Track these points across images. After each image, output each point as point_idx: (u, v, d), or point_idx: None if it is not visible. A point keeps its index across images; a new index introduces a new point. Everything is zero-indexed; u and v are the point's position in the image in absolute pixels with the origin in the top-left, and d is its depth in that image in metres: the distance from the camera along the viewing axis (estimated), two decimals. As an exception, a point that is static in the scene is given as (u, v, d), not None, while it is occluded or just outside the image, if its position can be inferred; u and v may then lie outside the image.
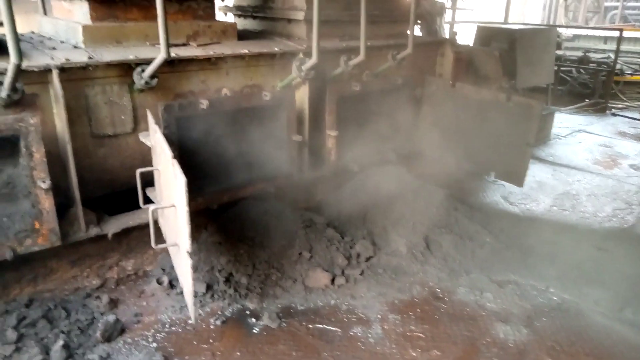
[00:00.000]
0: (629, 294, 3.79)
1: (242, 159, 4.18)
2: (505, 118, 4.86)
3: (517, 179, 4.96)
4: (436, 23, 6.89)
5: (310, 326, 3.37)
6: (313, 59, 4.15)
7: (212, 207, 4.03)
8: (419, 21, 6.37)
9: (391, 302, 3.64)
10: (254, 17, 5.32)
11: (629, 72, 10.47)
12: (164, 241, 3.24)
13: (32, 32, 4.56)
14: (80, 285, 3.66)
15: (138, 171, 3.31)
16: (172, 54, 3.74)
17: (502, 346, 3.21)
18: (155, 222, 3.63)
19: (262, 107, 4.17)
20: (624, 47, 10.75)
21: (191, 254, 2.75)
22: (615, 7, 20.88)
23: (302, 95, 4.57)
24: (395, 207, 4.66)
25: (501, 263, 4.16)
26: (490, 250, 4.31)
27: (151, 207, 2.96)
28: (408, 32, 4.90)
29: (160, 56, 3.35)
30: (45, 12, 4.72)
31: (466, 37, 8.81)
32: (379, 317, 3.47)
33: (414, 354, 3.12)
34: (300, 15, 4.64)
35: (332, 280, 3.86)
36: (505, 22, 9.81)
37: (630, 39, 11.68)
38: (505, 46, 7.69)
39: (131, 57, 3.57)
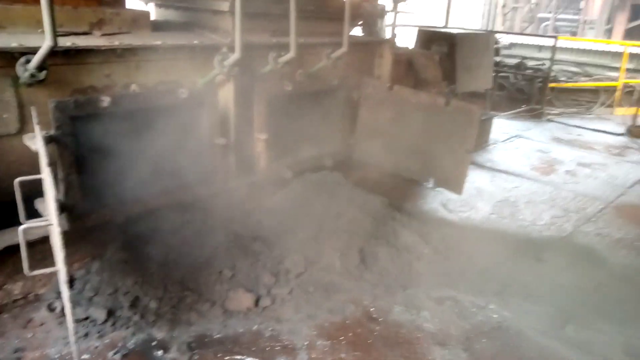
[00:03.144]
0: (569, 309, 3.62)
1: (155, 165, 3.68)
2: (444, 123, 4.64)
3: (457, 186, 4.75)
4: (377, 25, 6.66)
5: (227, 358, 2.93)
6: (236, 54, 3.73)
7: (117, 219, 3.51)
8: (360, 22, 6.10)
9: (321, 325, 3.27)
10: (177, 8, 4.83)
11: (564, 79, 10.71)
12: (46, 265, 2.70)
13: None
14: (-50, 316, 3.05)
15: (17, 181, 2.77)
16: (68, 43, 3.23)
17: (440, 374, 2.91)
18: (45, 240, 3.10)
19: (179, 106, 3.69)
20: (557, 55, 11.01)
21: (70, 276, 2.26)
22: (548, 19, 21.82)
23: (227, 94, 4.14)
24: (330, 217, 4.31)
25: (439, 277, 3.90)
26: (428, 263, 4.04)
27: (22, 226, 2.44)
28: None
29: (45, 44, 2.82)
30: None
31: (407, 40, 8.68)
32: (306, 344, 3.09)
33: (343, 388, 2.76)
34: (225, 6, 4.20)
35: (257, 302, 3.44)
36: (446, 27, 9.76)
37: (564, 49, 12.03)
38: (445, 49, 7.60)
39: (14, 44, 3.02)
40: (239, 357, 2.95)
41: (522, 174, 6.50)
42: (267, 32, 4.52)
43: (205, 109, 3.84)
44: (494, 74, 9.34)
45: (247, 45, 3.88)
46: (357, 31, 6.15)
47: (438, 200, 5.40)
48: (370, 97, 5.15)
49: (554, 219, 5.16)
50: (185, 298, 3.36)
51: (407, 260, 4.04)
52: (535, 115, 9.82)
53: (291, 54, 4.07)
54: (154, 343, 3.01)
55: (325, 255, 3.93)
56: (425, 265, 4.03)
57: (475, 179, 6.15)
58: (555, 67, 10.70)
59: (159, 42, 3.66)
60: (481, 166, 6.74)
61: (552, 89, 10.34)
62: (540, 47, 12.52)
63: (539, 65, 10.97)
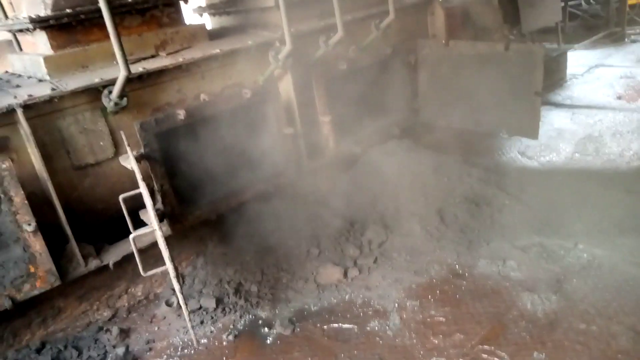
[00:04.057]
0: (667, 238, 3.47)
1: (234, 163, 4.01)
2: (507, 69, 4.54)
3: (531, 131, 4.64)
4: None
5: (325, 327, 3.20)
6: (288, 46, 3.92)
7: (211, 217, 3.89)
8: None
9: (408, 288, 3.43)
10: (228, 13, 5.11)
11: (644, -8, 9.75)
12: (155, 264, 3.11)
13: (6, 72, 4.48)
14: (92, 320, 3.60)
15: (121, 197, 3.18)
16: (139, 68, 3.61)
17: (531, 318, 2.97)
18: (154, 246, 3.53)
19: (245, 106, 3.98)
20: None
21: (180, 274, 2.62)
22: None
23: (287, 85, 4.36)
24: (404, 184, 4.42)
25: (523, 226, 3.88)
26: (510, 214, 4.03)
27: (132, 234, 2.83)
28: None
29: (121, 74, 3.19)
30: (20, 49, 4.64)
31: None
32: (396, 306, 3.28)
33: (436, 341, 2.92)
34: (271, 2, 4.38)
35: (345, 274, 3.68)
36: (502, -34, 9.24)
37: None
38: (504, -9, 7.23)
39: (96, 80, 3.43)
40: (336, 325, 3.21)
41: (605, 105, 6.12)
42: (315, 17, 4.65)
43: (269, 103, 4.10)
44: (562, 4, 8.75)
45: (297, 35, 4.05)
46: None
47: (515, 149, 5.29)
48: (427, 58, 5.13)
49: (645, 147, 4.87)
50: (280, 278, 3.68)
51: (488, 214, 4.06)
52: (617, 39, 9.06)
53: (340, 34, 4.18)
54: (259, 322, 3.36)
55: (404, 221, 4.07)
56: (507, 216, 4.02)
57: (553, 119, 5.91)
58: (633, -18, 9.74)
59: (217, 51, 3.94)
60: (559, 105, 6.43)
61: (632, 6, 9.45)
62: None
63: (614, -17, 10.03)
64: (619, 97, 6.34)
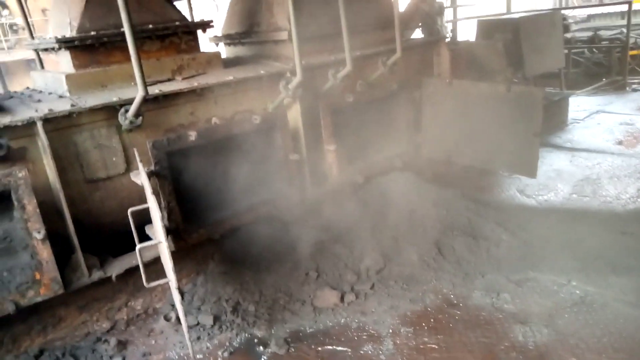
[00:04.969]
0: (658, 279, 3.54)
1: (240, 185, 4.14)
2: (508, 109, 4.69)
3: (530, 170, 4.75)
4: (437, 23, 6.79)
5: (320, 349, 3.26)
6: (298, 77, 4.12)
7: (214, 237, 3.99)
8: (420, 24, 6.27)
9: (403, 315, 3.50)
10: (243, 44, 5.34)
11: (645, 44, 10.04)
12: (157, 279, 3.20)
13: (27, 88, 4.69)
14: (91, 330, 3.66)
15: (130, 210, 3.30)
16: (156, 90, 3.79)
17: (522, 349, 3.02)
18: (156, 261, 3.63)
19: (254, 131, 4.14)
20: (638, 19, 10.35)
21: (179, 289, 2.71)
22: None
23: (295, 114, 4.53)
24: (404, 214, 4.52)
25: (519, 260, 3.96)
26: (507, 248, 4.12)
27: (138, 246, 2.94)
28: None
29: (139, 95, 3.38)
30: (42, 67, 4.86)
31: (470, 32, 8.65)
32: (391, 331, 3.34)
33: (428, 368, 2.97)
34: (284, 35, 4.61)
35: (342, 298, 3.75)
36: (508, 12, 9.59)
37: (643, 11, 11.23)
38: (509, 36, 7.50)
39: (114, 99, 3.62)
40: (330, 347, 3.26)
41: (604, 150, 6.27)
42: (326, 52, 4.86)
43: (277, 130, 4.26)
44: (566, 52, 9.03)
45: (307, 67, 4.25)
46: (418, 32, 6.29)
47: (514, 187, 5.40)
48: (431, 95, 5.31)
49: (641, 191, 4.97)
50: (278, 300, 3.75)
51: (485, 248, 4.14)
52: (618, 87, 9.30)
53: (348, 68, 4.38)
54: (255, 340, 3.42)
55: (402, 250, 4.16)
56: (503, 251, 4.11)
57: (553, 161, 6.04)
58: (634, 33, 10.04)
59: (231, 78, 4.13)
60: (560, 147, 6.58)
61: (633, 57, 9.72)
62: (623, 14, 11.73)
63: (616, 34, 10.35)
64: (619, 143, 6.48)
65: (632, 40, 9.74)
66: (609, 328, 3.11)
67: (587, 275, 3.67)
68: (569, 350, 2.96)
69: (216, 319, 3.60)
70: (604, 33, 10.45)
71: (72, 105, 3.48)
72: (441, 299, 3.62)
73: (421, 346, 3.16)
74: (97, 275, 3.58)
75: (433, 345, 3.15)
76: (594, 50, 10.17)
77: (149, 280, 3.14)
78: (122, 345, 3.50)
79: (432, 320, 3.41)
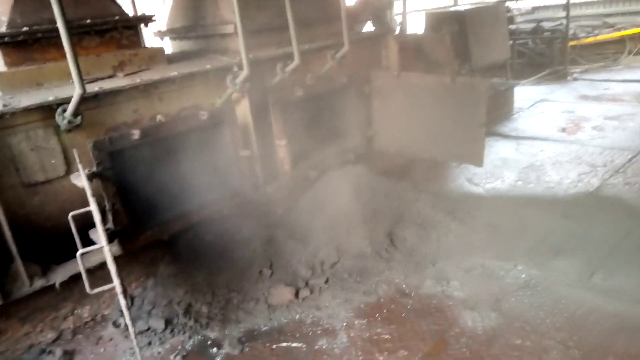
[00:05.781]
0: (597, 259, 3.71)
1: (189, 184, 4.04)
2: (454, 100, 4.79)
3: (476, 159, 4.87)
4: (387, 17, 6.84)
5: (274, 346, 3.24)
6: (245, 71, 4.04)
7: (163, 238, 3.89)
8: (370, 17, 6.29)
9: (357, 307, 3.52)
10: (189, 38, 5.21)
11: (583, 35, 10.49)
12: (105, 284, 3.09)
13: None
14: (35, 342, 3.50)
15: (71, 215, 3.17)
16: (95, 88, 3.64)
17: (471, 335, 3.10)
18: (102, 266, 3.50)
19: (202, 127, 4.04)
20: (578, 11, 10.80)
21: (128, 294, 2.62)
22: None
23: (244, 109, 4.46)
24: (357, 207, 4.55)
25: (467, 248, 4.06)
26: (456, 237, 4.21)
27: (79, 251, 2.82)
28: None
29: (76, 93, 3.22)
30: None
31: (419, 25, 8.78)
32: (345, 324, 3.35)
33: (381, 358, 3.00)
34: (230, 29, 4.52)
35: (297, 294, 3.73)
36: (455, 5, 9.79)
37: (582, 4, 11.73)
38: (456, 28, 7.66)
39: (50, 98, 3.44)
40: (285, 344, 3.25)
41: (547, 137, 6.52)
42: (274, 45, 4.81)
43: (226, 126, 4.18)
44: (510, 43, 9.31)
45: (254, 61, 4.19)
46: (368, 25, 6.32)
47: (463, 176, 5.54)
48: (380, 88, 5.35)
49: (581, 175, 5.20)
50: (232, 299, 3.69)
51: (435, 237, 4.22)
52: (560, 76, 9.70)
53: (296, 62, 4.34)
54: (208, 342, 3.36)
55: (355, 243, 4.18)
56: (452, 239, 4.20)
57: (499, 149, 6.23)
58: (573, 24, 10.48)
59: (175, 73, 4.02)
60: (506, 136, 6.79)
61: (573, 47, 10.15)
62: (564, 6, 12.22)
63: (557, 25, 10.77)
64: (562, 130, 6.75)
65: (571, 32, 10.15)
66: (552, 309, 3.24)
67: (531, 259, 3.80)
68: (514, 333, 3.07)
69: (168, 322, 3.52)
70: (546, 24, 10.85)
71: (5, 106, 3.29)
72: (394, 290, 3.67)
73: (374, 337, 3.19)
74: (39, 283, 3.42)
75: (386, 336, 3.19)
76: (537, 41, 10.55)
77: (93, 286, 3.03)
78: (68, 355, 3.36)
79: (385, 311, 3.45)
